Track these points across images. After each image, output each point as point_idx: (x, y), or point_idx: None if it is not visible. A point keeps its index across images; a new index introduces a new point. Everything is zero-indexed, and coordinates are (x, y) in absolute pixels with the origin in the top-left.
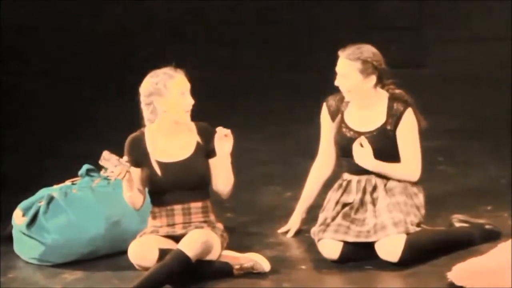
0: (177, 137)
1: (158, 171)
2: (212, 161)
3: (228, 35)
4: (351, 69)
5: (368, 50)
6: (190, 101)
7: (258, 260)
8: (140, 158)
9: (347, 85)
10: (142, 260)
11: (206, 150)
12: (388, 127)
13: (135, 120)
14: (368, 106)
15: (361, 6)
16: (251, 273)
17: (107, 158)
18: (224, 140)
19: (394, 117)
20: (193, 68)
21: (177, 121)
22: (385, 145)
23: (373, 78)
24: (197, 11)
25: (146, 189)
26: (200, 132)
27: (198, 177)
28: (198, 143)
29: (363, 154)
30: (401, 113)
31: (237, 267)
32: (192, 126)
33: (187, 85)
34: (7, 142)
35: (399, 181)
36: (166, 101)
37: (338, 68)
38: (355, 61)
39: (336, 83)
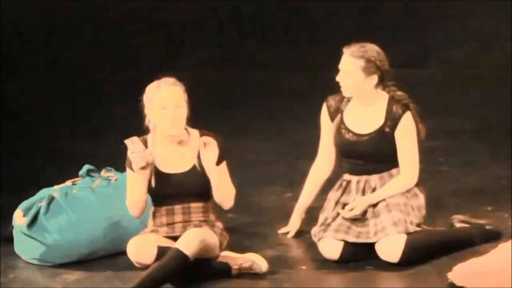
0: (179, 147)
1: (158, 180)
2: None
3: (228, 35)
4: (354, 66)
5: (373, 49)
6: (171, 115)
7: (256, 260)
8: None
9: (348, 82)
10: (141, 257)
11: None
12: (387, 129)
13: (136, 122)
14: (367, 106)
15: (362, 6)
16: (251, 273)
17: (134, 142)
18: (205, 150)
19: (392, 120)
20: (193, 68)
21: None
22: (384, 147)
23: (375, 78)
24: (197, 11)
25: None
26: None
27: (199, 189)
28: (199, 155)
29: (360, 204)
30: (400, 116)
31: (235, 267)
32: (197, 136)
33: (172, 99)
34: (7, 142)
35: None
36: (151, 112)
37: (341, 65)
38: (359, 59)
39: (338, 79)
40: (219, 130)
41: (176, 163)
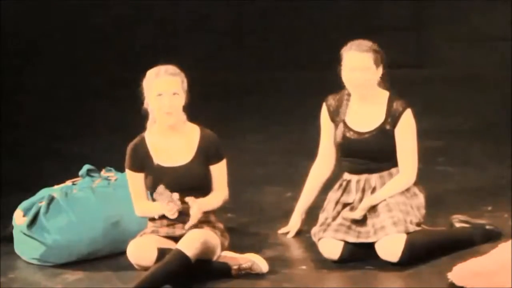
0: (177, 141)
1: (156, 174)
2: (212, 168)
3: (228, 35)
4: (367, 60)
5: (374, 44)
6: (165, 104)
7: (257, 261)
8: (142, 162)
9: (362, 78)
10: (141, 260)
11: (206, 156)
12: (387, 127)
13: (135, 121)
14: (368, 103)
15: (362, 6)
16: (251, 274)
17: (160, 192)
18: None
19: (393, 117)
20: (193, 68)
21: (170, 125)
22: (384, 145)
23: (381, 69)
24: (197, 11)
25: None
26: (202, 138)
27: (198, 182)
28: (198, 149)
29: (361, 209)
30: (400, 113)
31: (235, 267)
32: (197, 131)
33: (169, 88)
34: (7, 143)
35: None
36: (148, 100)
37: (352, 62)
38: (368, 52)
39: (348, 76)
40: (219, 130)
41: (173, 156)
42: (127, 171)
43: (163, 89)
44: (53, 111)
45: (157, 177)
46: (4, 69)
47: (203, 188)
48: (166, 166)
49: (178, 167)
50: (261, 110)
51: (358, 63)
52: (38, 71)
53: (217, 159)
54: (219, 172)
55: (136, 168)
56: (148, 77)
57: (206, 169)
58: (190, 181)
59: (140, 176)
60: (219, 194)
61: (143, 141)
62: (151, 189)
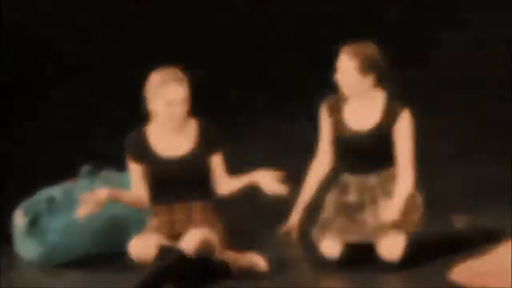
0: (177, 133)
1: (157, 165)
2: (213, 158)
3: (228, 36)
4: (350, 66)
5: (369, 49)
6: (176, 111)
7: (256, 260)
8: (141, 153)
9: (345, 81)
10: (142, 257)
11: (205, 147)
12: (385, 127)
13: (135, 121)
14: (366, 104)
15: (362, 6)
16: (251, 273)
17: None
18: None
19: (391, 117)
20: (193, 69)
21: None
22: (382, 145)
23: (372, 77)
24: (197, 11)
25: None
26: (201, 129)
27: (197, 173)
28: (197, 140)
29: (392, 213)
30: (398, 114)
31: (235, 267)
32: (195, 123)
33: (179, 95)
34: (7, 143)
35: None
36: (156, 104)
37: (338, 64)
38: (355, 58)
39: (336, 78)
40: (218, 130)
41: (174, 148)
42: (128, 162)
43: (174, 98)
44: (53, 111)
45: (158, 168)
46: (3, 68)
47: (202, 180)
48: (167, 157)
49: (179, 158)
50: (260, 109)
51: (342, 66)
52: (38, 70)
53: (217, 149)
54: (220, 162)
55: (135, 158)
56: (154, 82)
57: (206, 160)
58: (189, 171)
59: (138, 167)
60: None
61: (143, 133)
62: (151, 180)
